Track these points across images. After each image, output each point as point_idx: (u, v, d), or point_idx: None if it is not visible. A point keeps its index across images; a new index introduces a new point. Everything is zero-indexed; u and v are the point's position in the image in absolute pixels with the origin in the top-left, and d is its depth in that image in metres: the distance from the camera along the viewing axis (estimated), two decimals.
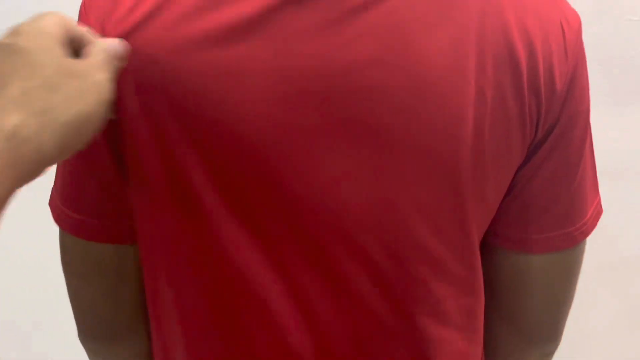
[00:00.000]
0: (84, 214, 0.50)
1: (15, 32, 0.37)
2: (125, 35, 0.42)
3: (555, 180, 0.51)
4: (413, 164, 0.45)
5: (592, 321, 1.37)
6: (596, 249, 1.27)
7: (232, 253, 0.46)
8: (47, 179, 0.48)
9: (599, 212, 0.57)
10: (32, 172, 0.34)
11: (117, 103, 0.43)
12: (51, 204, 0.52)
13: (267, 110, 0.42)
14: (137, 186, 0.48)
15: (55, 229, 0.52)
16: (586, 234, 0.55)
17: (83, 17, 0.45)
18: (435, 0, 0.43)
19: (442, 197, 0.47)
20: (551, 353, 0.62)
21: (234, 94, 0.42)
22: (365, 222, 0.46)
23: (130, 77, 0.43)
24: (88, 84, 0.37)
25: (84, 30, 0.40)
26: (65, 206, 0.50)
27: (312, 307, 0.48)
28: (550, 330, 0.60)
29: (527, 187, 0.51)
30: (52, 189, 0.53)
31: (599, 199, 0.57)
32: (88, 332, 0.57)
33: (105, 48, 0.39)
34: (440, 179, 0.46)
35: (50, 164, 0.35)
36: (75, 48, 0.39)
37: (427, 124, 0.44)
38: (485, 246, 0.54)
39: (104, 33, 0.43)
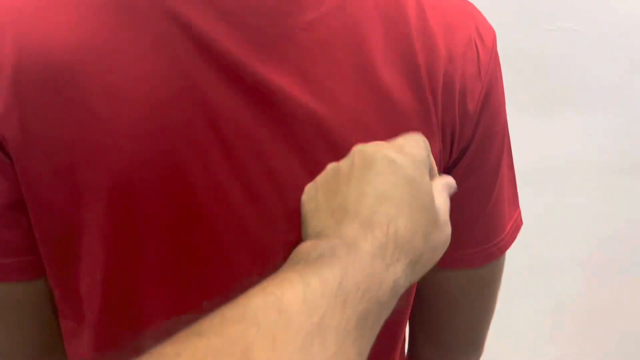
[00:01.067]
0: None
1: (398, 147, 0.38)
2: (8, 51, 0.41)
3: (471, 200, 0.53)
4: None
5: (511, 324, 1.44)
6: (514, 252, 1.35)
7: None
8: None
9: (518, 226, 0.59)
10: None
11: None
12: None
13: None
14: (38, 222, 0.45)
15: None
16: (504, 249, 0.57)
17: None
18: (340, 30, 0.44)
19: None
20: None
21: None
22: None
23: (12, 90, 0.41)
24: (444, 237, 0.40)
25: (433, 161, 0.42)
26: None
27: None
28: (473, 343, 0.62)
29: None
30: None
31: (519, 212, 0.59)
32: None
33: (451, 185, 0.44)
34: None
35: None
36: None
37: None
38: None
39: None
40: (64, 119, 0.41)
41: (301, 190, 0.44)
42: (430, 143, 0.46)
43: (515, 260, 1.31)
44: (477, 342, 0.62)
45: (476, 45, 0.49)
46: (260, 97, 0.43)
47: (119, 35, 0.41)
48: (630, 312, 1.48)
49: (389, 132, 0.44)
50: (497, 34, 0.55)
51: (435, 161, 0.47)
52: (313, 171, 0.44)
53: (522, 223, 0.60)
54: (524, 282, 1.39)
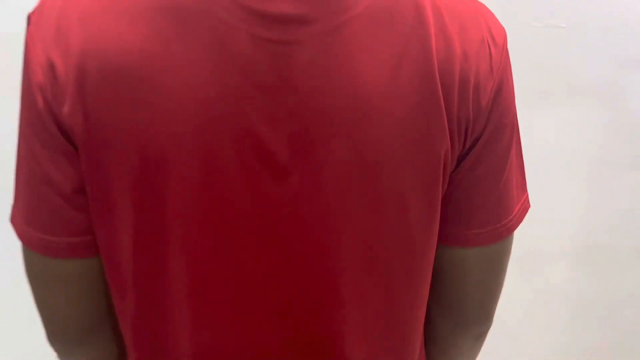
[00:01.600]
0: (49, 234, 0.50)
1: None
2: (77, 51, 0.45)
3: (482, 185, 0.56)
4: (354, 182, 0.49)
5: (504, 313, 1.49)
6: (517, 242, 1.37)
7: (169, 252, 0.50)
8: None
9: (525, 208, 0.62)
10: None
11: (65, 117, 0.45)
12: (14, 222, 0.53)
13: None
14: (94, 202, 0.49)
15: None
16: (512, 229, 0.60)
17: (33, 42, 0.46)
18: (374, 24, 0.47)
19: (383, 208, 0.51)
20: (484, 333, 0.68)
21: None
22: (302, 228, 0.50)
23: (77, 85, 0.45)
24: None
25: None
26: (30, 226, 0.51)
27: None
28: (482, 314, 0.65)
29: (458, 190, 0.56)
30: (13, 208, 0.53)
31: (526, 196, 0.63)
32: (55, 335, 0.58)
33: None
34: (379, 197, 0.51)
35: None
36: None
37: (367, 142, 0.48)
38: None
39: (47, 57, 0.45)
40: (123, 113, 0.45)
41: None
42: (436, 138, 0.50)
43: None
44: (487, 313, 0.65)
45: (489, 45, 0.52)
46: (288, 95, 0.47)
47: (170, 40, 0.45)
48: (620, 300, 1.50)
49: (407, 124, 0.49)
50: None
51: (444, 158, 0.51)
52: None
53: (529, 206, 0.63)
54: (516, 271, 1.43)
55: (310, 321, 0.53)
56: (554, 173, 1.34)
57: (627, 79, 1.29)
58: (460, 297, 0.64)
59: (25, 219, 0.51)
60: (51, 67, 0.45)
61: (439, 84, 0.49)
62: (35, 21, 0.47)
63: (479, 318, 0.66)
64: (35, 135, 0.48)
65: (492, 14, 0.56)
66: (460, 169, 0.55)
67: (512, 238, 0.62)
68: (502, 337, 1.44)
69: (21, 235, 0.52)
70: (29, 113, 0.48)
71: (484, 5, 0.55)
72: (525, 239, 1.34)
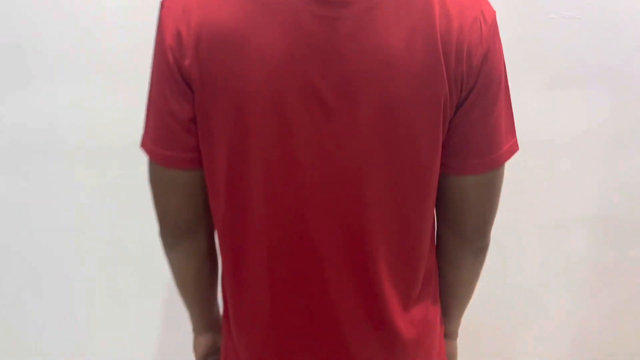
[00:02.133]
0: (169, 149, 0.73)
1: None
2: (195, 25, 0.67)
3: (475, 124, 0.74)
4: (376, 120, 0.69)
5: (525, 281, 1.59)
6: (528, 215, 1.49)
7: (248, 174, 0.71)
8: None
9: (513, 150, 0.80)
10: None
11: (187, 68, 0.68)
12: (144, 145, 0.76)
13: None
14: (201, 130, 0.72)
15: None
16: (500, 162, 0.78)
17: (166, 18, 0.69)
18: (397, 7, 0.68)
19: (399, 143, 0.71)
20: (482, 249, 0.86)
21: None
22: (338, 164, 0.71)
23: (195, 47, 0.67)
24: None
25: None
26: (156, 144, 0.74)
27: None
28: (479, 231, 0.83)
29: (457, 130, 0.75)
30: (143, 135, 0.76)
31: (515, 140, 0.80)
32: (167, 229, 0.80)
33: None
34: (397, 129, 0.70)
35: None
36: None
37: (386, 90, 0.68)
38: None
39: (176, 27, 0.67)
40: (226, 66, 0.67)
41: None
42: (438, 90, 0.69)
43: (529, 223, 1.49)
44: (483, 231, 0.83)
45: (480, 22, 0.71)
46: (335, 56, 0.67)
47: (256, 17, 0.67)
48: (635, 269, 1.59)
49: (418, 77, 0.68)
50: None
51: (443, 105, 0.70)
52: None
53: (517, 148, 0.81)
54: (536, 242, 1.55)
55: (347, 215, 0.73)
56: (572, 151, 1.46)
57: (635, 66, 1.39)
58: (460, 218, 0.82)
59: (152, 141, 0.74)
60: (178, 34, 0.68)
61: (441, 51, 0.69)
62: (167, 5, 0.70)
63: (477, 235, 0.84)
64: (165, 80, 0.70)
65: (486, 1, 0.75)
66: (458, 114, 0.74)
67: (502, 170, 0.80)
68: (527, 299, 1.60)
69: (149, 152, 0.75)
70: (160, 65, 0.71)
71: None
72: (547, 210, 1.49)
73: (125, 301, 1.51)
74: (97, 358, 1.57)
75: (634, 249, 1.58)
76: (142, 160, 0.79)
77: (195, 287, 0.88)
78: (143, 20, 1.24)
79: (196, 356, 1.02)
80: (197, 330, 0.97)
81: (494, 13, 0.74)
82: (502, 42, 0.76)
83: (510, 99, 0.79)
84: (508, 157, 0.80)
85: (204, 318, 0.94)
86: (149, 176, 0.78)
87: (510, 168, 1.44)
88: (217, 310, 0.99)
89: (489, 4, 0.74)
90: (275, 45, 0.66)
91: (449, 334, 0.99)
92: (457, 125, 0.75)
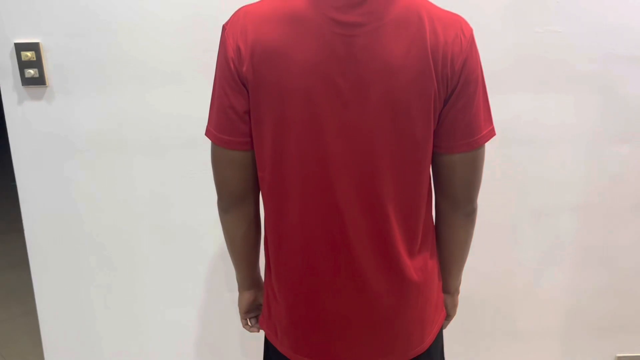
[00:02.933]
0: (228, 135, 0.98)
1: None
2: (250, 42, 0.91)
3: (460, 114, 0.97)
4: (383, 108, 0.92)
5: (517, 260, 1.79)
6: (520, 200, 1.69)
7: (288, 154, 0.95)
8: None
9: (491, 134, 1.02)
10: None
11: (244, 73, 0.92)
12: (207, 133, 1.00)
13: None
14: (253, 119, 0.96)
15: None
16: (481, 142, 1.00)
17: (228, 37, 0.94)
18: (398, 26, 0.92)
19: (402, 129, 0.94)
20: (471, 213, 1.08)
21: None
22: (353, 141, 0.94)
23: (250, 58, 0.91)
24: None
25: None
26: (218, 131, 0.98)
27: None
28: (467, 198, 1.05)
29: (446, 119, 0.98)
30: (207, 126, 1.01)
31: (492, 127, 1.02)
32: (223, 197, 1.05)
33: None
34: (399, 117, 0.93)
35: None
36: None
37: (391, 88, 0.92)
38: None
39: (236, 43, 0.92)
40: (272, 72, 0.91)
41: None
42: (429, 88, 0.92)
43: (524, 208, 1.71)
44: (470, 197, 1.05)
45: (460, 37, 0.95)
46: (352, 62, 0.91)
47: (293, 34, 0.91)
48: (619, 249, 1.79)
49: (414, 78, 0.91)
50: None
51: (433, 99, 0.93)
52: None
53: (495, 134, 1.03)
54: (530, 225, 1.75)
55: (363, 180, 0.96)
56: (559, 145, 1.67)
57: (614, 71, 1.60)
58: (451, 187, 1.05)
59: (215, 129, 0.99)
60: (238, 49, 0.93)
61: (430, 58, 0.93)
62: (228, 28, 0.95)
63: (465, 200, 1.06)
64: (227, 82, 0.95)
65: (465, 20, 0.98)
66: (446, 107, 0.97)
67: (483, 149, 1.02)
68: (522, 276, 1.81)
69: (213, 138, 1.00)
70: (223, 71, 0.95)
71: (459, 15, 0.98)
72: (539, 197, 1.70)
73: (178, 272, 1.77)
74: (152, 314, 1.82)
75: (616, 232, 1.78)
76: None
77: (243, 246, 1.12)
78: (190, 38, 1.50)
79: (240, 311, 1.25)
80: (243, 287, 1.21)
81: (471, 30, 0.98)
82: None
83: (487, 95, 1.02)
84: (487, 139, 1.02)
85: (248, 276, 1.18)
86: (212, 157, 1.02)
87: (505, 160, 1.67)
88: (259, 272, 1.22)
89: (467, 23, 0.98)
90: (307, 55, 0.91)
91: (450, 290, 1.20)
92: (446, 115, 0.98)
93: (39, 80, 1.56)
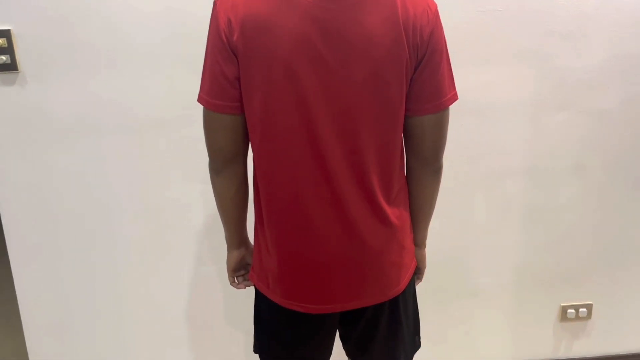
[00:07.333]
0: (220, 100, 1.07)
1: None
2: (240, 15, 1.00)
3: (427, 79, 1.10)
4: (361, 71, 1.03)
5: (472, 218, 1.95)
6: (474, 166, 1.84)
7: (277, 116, 1.05)
8: None
9: (455, 98, 1.15)
10: None
11: (234, 43, 1.01)
12: (200, 100, 1.09)
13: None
14: (243, 85, 1.05)
15: None
16: (446, 105, 1.13)
17: (220, 11, 1.03)
18: (373, 2, 1.03)
19: (378, 92, 1.06)
20: (437, 170, 1.21)
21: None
22: (332, 107, 1.05)
23: (240, 29, 1.00)
24: None
25: None
26: (210, 97, 1.07)
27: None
28: (434, 155, 1.18)
29: (415, 84, 1.10)
30: (200, 92, 1.09)
31: (455, 92, 1.16)
32: (215, 158, 1.13)
33: None
34: (377, 81, 1.05)
35: None
36: None
37: (369, 55, 1.03)
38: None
39: (227, 17, 1.01)
40: (260, 41, 1.00)
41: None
42: (402, 56, 1.03)
43: (475, 172, 1.86)
44: (436, 155, 1.19)
45: (427, 11, 1.07)
46: (333, 33, 1.01)
47: (280, 8, 1.00)
48: (559, 206, 1.96)
49: (388, 47, 1.03)
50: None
51: (405, 66, 1.04)
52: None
53: (457, 98, 1.16)
54: (482, 186, 1.91)
55: (347, 138, 1.06)
56: (502, 114, 1.82)
57: (549, 45, 1.76)
58: (420, 146, 1.17)
59: (207, 94, 1.07)
60: (229, 21, 1.02)
61: (402, 29, 1.05)
62: (219, 3, 1.04)
63: (433, 158, 1.19)
64: (219, 52, 1.04)
65: None
66: (416, 73, 1.09)
67: (448, 112, 1.15)
68: (475, 234, 1.97)
69: (205, 103, 1.08)
70: (215, 42, 1.04)
71: None
72: (488, 161, 1.85)
73: (160, 249, 1.83)
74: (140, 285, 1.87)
75: (558, 192, 1.96)
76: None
77: (233, 205, 1.21)
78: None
79: (228, 269, 1.34)
80: (232, 246, 1.30)
81: (435, 6, 1.11)
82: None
83: (450, 64, 1.15)
84: (451, 102, 1.16)
85: (237, 235, 1.28)
86: (204, 121, 1.11)
87: (457, 129, 1.83)
88: (247, 232, 1.32)
89: (432, 0, 1.11)
90: (293, 27, 1.01)
91: (418, 242, 1.33)
92: (415, 81, 1.11)
93: (11, 66, 1.58)
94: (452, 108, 1.16)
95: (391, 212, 1.15)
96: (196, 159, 1.61)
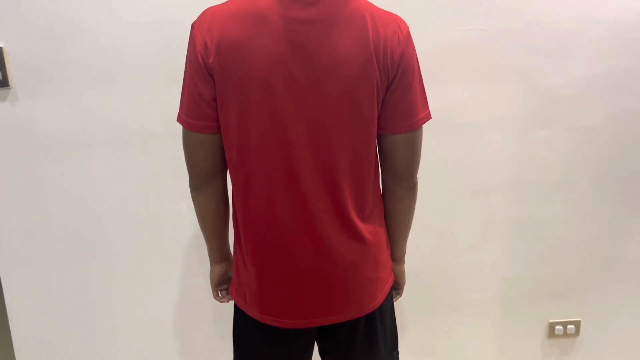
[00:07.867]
0: (197, 120, 1.10)
1: None
2: (216, 38, 1.03)
3: (399, 99, 1.12)
4: (333, 94, 1.06)
5: (454, 232, 1.95)
6: (458, 180, 1.86)
7: (253, 132, 1.08)
8: None
9: (427, 118, 1.18)
10: None
11: (210, 65, 1.04)
12: (179, 119, 1.12)
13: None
14: (220, 105, 1.08)
15: None
16: (419, 124, 1.16)
17: (196, 34, 1.06)
18: (345, 23, 1.06)
19: (352, 113, 1.08)
20: (412, 187, 1.23)
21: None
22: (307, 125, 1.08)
23: (216, 51, 1.03)
24: None
25: None
26: (188, 117, 1.10)
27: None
28: (408, 173, 1.21)
29: (387, 104, 1.12)
30: (179, 112, 1.12)
31: (428, 111, 1.18)
32: (194, 177, 1.16)
33: None
34: (348, 100, 1.07)
35: None
36: None
37: (340, 75, 1.06)
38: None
39: (203, 39, 1.04)
40: (236, 62, 1.03)
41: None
42: (372, 76, 1.06)
43: (461, 187, 1.88)
44: (410, 172, 1.21)
45: (398, 33, 1.10)
46: (306, 54, 1.04)
47: (254, 29, 1.03)
48: (546, 223, 1.97)
49: (359, 68, 1.05)
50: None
51: (376, 86, 1.07)
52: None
53: (430, 117, 1.19)
54: (467, 202, 1.91)
55: (320, 155, 1.08)
56: (488, 130, 1.84)
57: (532, 64, 1.78)
58: (394, 164, 1.20)
59: (186, 115, 1.10)
60: (205, 44, 1.05)
61: (373, 51, 1.07)
62: (196, 26, 1.07)
63: (406, 175, 1.21)
64: (196, 74, 1.07)
65: (401, 19, 1.13)
66: (388, 93, 1.12)
67: (421, 131, 1.18)
68: (461, 249, 1.98)
69: (184, 123, 1.11)
70: (192, 63, 1.07)
71: (397, 15, 1.12)
72: (474, 177, 1.86)
73: (150, 261, 1.85)
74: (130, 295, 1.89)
75: (543, 206, 1.96)
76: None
77: (213, 221, 1.24)
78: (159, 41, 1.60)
79: (212, 283, 1.37)
80: (214, 260, 1.33)
81: (407, 27, 1.13)
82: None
83: (422, 84, 1.18)
84: (424, 122, 1.18)
85: (219, 250, 1.30)
86: (183, 140, 1.14)
87: (442, 144, 1.84)
88: (229, 247, 1.34)
89: (403, 21, 1.14)
90: (268, 49, 1.04)
91: (396, 258, 1.35)
92: (388, 101, 1.13)
93: (2, 83, 1.62)
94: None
95: (364, 228, 1.17)
96: (187, 173, 1.63)
